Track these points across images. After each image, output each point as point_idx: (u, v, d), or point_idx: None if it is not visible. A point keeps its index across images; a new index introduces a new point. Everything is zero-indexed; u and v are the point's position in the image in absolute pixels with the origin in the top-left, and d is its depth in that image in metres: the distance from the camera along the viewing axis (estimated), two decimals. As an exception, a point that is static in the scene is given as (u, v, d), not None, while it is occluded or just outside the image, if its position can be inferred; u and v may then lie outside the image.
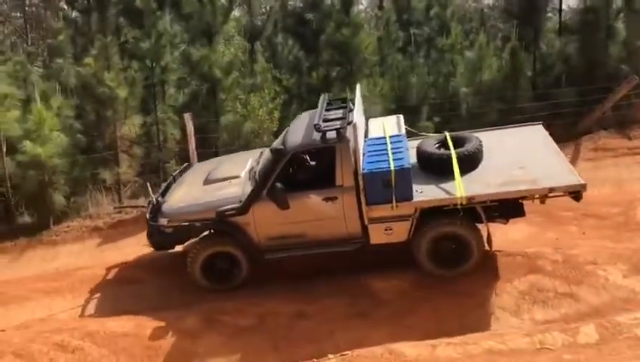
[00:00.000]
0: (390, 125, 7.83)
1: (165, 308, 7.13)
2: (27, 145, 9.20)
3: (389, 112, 11.32)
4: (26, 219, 9.96)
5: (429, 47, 13.26)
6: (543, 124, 8.19)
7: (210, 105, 11.38)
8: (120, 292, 7.82)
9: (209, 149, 10.61)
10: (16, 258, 9.11)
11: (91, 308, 7.61)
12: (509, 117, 9.68)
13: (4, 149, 9.70)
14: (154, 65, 11.16)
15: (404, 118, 8.10)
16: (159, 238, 7.57)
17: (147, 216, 7.76)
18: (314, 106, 7.89)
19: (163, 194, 8.01)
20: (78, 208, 9.83)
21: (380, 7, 17.36)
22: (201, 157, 9.47)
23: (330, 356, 5.62)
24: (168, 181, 8.51)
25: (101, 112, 10.24)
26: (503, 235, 7.96)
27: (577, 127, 10.60)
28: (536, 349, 5.31)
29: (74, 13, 13.04)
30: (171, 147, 11.29)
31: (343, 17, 11.07)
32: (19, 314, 7.55)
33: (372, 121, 8.23)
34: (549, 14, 12.60)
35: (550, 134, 8.04)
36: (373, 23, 14.35)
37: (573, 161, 10.01)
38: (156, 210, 7.66)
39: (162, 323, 6.81)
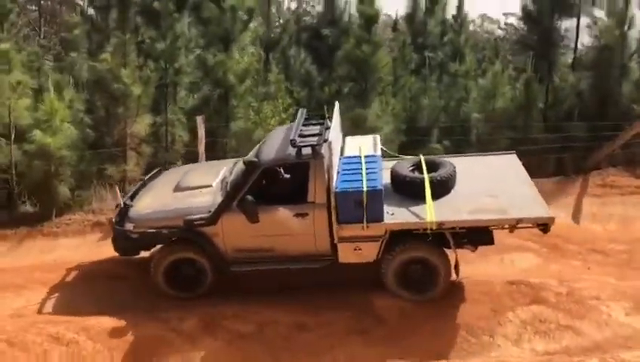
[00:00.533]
0: (367, 145, 7.81)
1: (164, 308, 7.03)
2: (37, 134, 9.16)
3: (399, 132, 11.43)
4: (28, 208, 9.88)
5: (442, 72, 13.37)
6: (516, 154, 8.21)
7: (222, 110, 11.43)
8: (117, 289, 7.69)
9: (217, 153, 10.60)
10: (15, 246, 9.01)
11: (87, 302, 7.46)
12: (519, 146, 9.69)
13: (13, 137, 9.66)
14: (168, 66, 11.21)
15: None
16: (124, 243, 7.43)
17: (113, 220, 7.63)
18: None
19: (132, 198, 7.85)
20: (81, 202, 9.76)
21: (394, 29, 17.58)
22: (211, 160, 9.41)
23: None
24: (138, 185, 8.36)
25: (113, 108, 10.24)
26: (509, 263, 7.98)
27: (587, 162, 10.68)
28: (539, 379, 5.23)
29: (90, 10, 13.17)
30: (178, 149, 11.30)
31: (364, 34, 11.12)
32: (13, 302, 7.46)
33: (349, 140, 8.22)
34: (562, 51, 12.76)
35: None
36: (386, 44, 14.50)
37: (580, 195, 10.09)
38: (123, 214, 7.52)
39: (161, 323, 6.72)
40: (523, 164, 7.93)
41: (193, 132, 11.11)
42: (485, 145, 10.23)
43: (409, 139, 11.29)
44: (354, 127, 11.50)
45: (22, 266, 8.29)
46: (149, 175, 8.65)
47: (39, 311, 7.07)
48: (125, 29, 10.75)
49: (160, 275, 7.27)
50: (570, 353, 6.32)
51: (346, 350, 6.57)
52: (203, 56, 11.39)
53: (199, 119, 9.62)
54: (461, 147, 10.62)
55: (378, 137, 8.14)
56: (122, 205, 7.66)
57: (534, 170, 10.17)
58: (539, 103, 11.30)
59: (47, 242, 9.11)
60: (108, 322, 6.74)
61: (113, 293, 7.58)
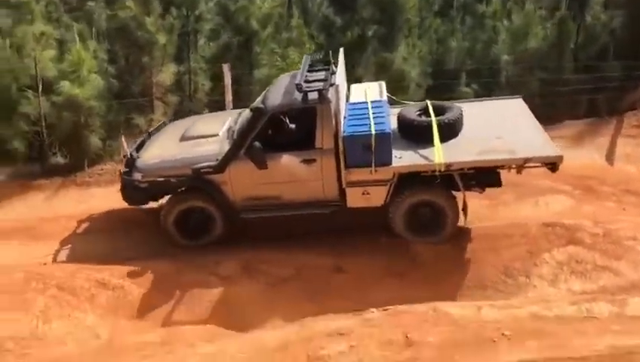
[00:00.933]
0: (372, 91, 7.74)
1: (201, 253, 7.16)
2: (65, 85, 9.12)
3: (426, 75, 11.23)
4: (59, 159, 9.97)
5: (467, 13, 12.94)
6: (522, 97, 8.12)
7: (244, 57, 11.24)
8: (153, 235, 7.81)
9: (242, 101, 10.51)
10: (50, 196, 9.16)
11: (127, 248, 7.60)
12: (551, 87, 9.50)
13: (40, 89, 9.64)
14: (189, 13, 11.01)
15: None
16: (133, 193, 7.46)
17: (121, 170, 7.67)
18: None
19: (138, 150, 7.82)
20: (112, 152, 9.82)
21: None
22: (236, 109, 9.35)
23: (373, 309, 5.63)
24: (143, 137, 8.32)
25: (137, 58, 10.11)
26: (544, 206, 7.96)
27: (621, 102, 10.43)
28: (583, 317, 5.30)
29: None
30: (201, 97, 11.22)
31: (392, -27, 10.74)
32: (52, 251, 7.65)
33: (354, 87, 8.11)
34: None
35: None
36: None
37: (614, 136, 9.93)
38: (131, 164, 7.53)
39: (200, 268, 6.86)
40: (555, 105, 7.81)
41: (215, 80, 11.06)
42: (515, 88, 10.00)
43: (436, 82, 11.09)
44: (379, 71, 11.34)
45: (60, 215, 8.43)
46: (154, 127, 8.63)
47: (83, 258, 7.20)
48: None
49: (170, 224, 7.35)
50: (606, 292, 6.37)
51: (382, 292, 6.66)
52: (224, 3, 11.14)
53: (225, 67, 9.50)
54: (490, 90, 10.40)
55: (384, 84, 8.04)
56: (129, 156, 7.65)
57: (566, 112, 10.07)
58: (570, 43, 10.96)
59: (82, 192, 9.25)
60: (150, 267, 6.88)
61: (150, 240, 7.71)
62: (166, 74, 10.25)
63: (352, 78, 10.95)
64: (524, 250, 7.00)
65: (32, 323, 6.07)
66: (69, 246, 7.69)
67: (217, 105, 10.13)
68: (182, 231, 7.38)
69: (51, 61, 9.87)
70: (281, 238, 7.41)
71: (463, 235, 7.29)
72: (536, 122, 7.44)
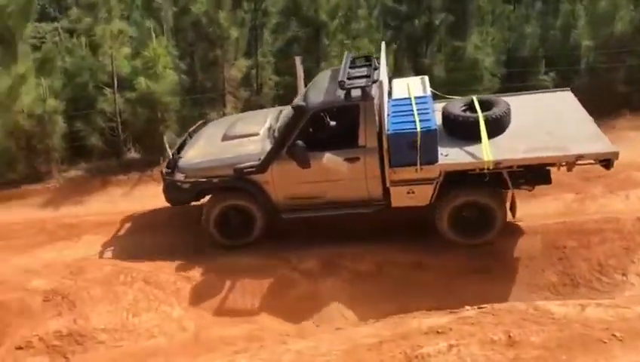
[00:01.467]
0: (415, 86, 7.49)
1: (282, 248, 7.14)
2: (142, 81, 9.29)
3: (500, 64, 10.82)
4: (134, 155, 10.18)
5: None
6: (571, 90, 7.76)
7: (313, 49, 11.16)
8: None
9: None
10: (129, 191, 9.35)
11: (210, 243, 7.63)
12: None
13: (116, 85, 9.87)
14: (257, 6, 11.00)
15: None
16: (176, 194, 7.48)
17: (163, 170, 7.70)
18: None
19: (179, 150, 7.85)
20: (186, 147, 9.92)
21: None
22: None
23: (468, 307, 5.44)
24: (184, 137, 8.32)
25: (208, 53, 10.19)
26: (636, 199, 7.56)
27: None
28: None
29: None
30: (267, 92, 11.22)
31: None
32: (133, 244, 7.77)
33: (396, 82, 7.86)
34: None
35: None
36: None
37: None
38: (173, 165, 7.56)
39: (284, 262, 6.85)
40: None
41: (282, 74, 11.02)
42: (598, 75, 9.50)
43: (511, 70, 10.69)
44: (450, 60, 11.03)
45: (139, 210, 8.60)
46: (194, 127, 8.61)
47: (168, 252, 7.31)
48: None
49: (211, 224, 7.32)
50: None
51: (466, 289, 6.48)
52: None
53: (297, 60, 9.39)
54: (569, 78, 9.89)
55: (426, 78, 7.80)
56: (171, 156, 7.69)
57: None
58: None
59: (159, 187, 9.39)
60: (233, 262, 6.92)
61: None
62: (237, 68, 10.28)
63: (420, 69, 10.76)
64: (619, 246, 6.67)
65: (122, 315, 6.21)
66: (150, 239, 7.79)
67: (285, 99, 10.07)
68: (222, 231, 7.36)
69: (126, 58, 10.13)
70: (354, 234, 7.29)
71: (550, 230, 6.99)
72: (587, 115, 7.12)
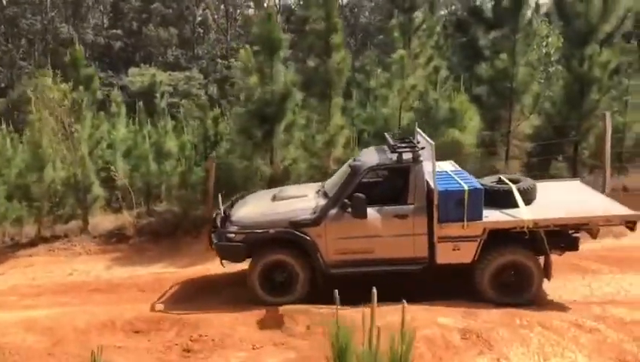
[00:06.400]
0: (446, 166, 8.28)
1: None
2: (453, 132, 9.84)
3: None
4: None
5: None
6: (580, 179, 8.92)
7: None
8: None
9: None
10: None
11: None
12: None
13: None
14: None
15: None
16: (228, 248, 7.74)
17: (210, 229, 8.07)
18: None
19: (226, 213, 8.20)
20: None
21: None
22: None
23: None
24: (227, 205, 8.62)
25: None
26: None
27: None
28: None
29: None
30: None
31: None
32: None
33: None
34: None
35: None
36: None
37: None
38: (223, 221, 7.97)
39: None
40: None
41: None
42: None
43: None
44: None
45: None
46: (234, 198, 9.01)
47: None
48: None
49: (255, 279, 7.66)
50: None
51: None
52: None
53: (607, 115, 9.55)
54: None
55: (453, 162, 8.58)
56: (222, 213, 8.12)
57: None
58: None
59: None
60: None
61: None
62: (525, 124, 10.61)
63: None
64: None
65: (534, 359, 6.33)
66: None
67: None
68: (266, 287, 7.69)
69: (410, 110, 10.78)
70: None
71: None
72: (602, 195, 8.14)
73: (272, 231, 7.60)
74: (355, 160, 8.08)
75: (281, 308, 7.36)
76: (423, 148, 7.84)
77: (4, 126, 14.94)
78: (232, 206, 8.58)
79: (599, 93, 11.11)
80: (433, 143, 7.40)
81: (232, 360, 6.55)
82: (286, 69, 10.60)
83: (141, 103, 18.16)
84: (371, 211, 7.46)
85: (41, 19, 44.46)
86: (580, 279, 8.29)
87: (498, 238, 7.32)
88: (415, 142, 8.24)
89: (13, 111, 31.58)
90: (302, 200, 7.98)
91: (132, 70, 38.41)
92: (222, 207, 8.38)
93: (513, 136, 10.56)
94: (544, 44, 13.34)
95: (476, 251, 7.31)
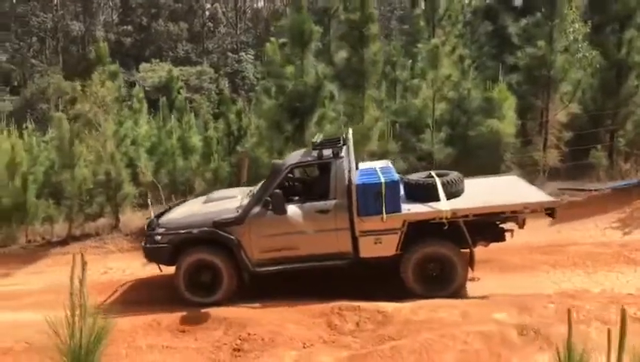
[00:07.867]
0: (380, 163, 8.42)
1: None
2: (492, 122, 9.64)
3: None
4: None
5: None
6: (518, 175, 8.97)
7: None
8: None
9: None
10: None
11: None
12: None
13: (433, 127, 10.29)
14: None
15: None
16: (154, 249, 7.83)
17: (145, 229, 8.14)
18: None
19: (159, 217, 8.34)
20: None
21: None
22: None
23: None
24: (165, 208, 8.89)
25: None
26: None
27: None
28: None
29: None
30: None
31: None
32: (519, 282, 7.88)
33: (362, 164, 8.58)
34: None
35: None
36: None
37: None
38: (154, 225, 8.04)
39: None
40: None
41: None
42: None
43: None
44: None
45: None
46: (174, 203, 9.29)
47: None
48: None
49: (181, 280, 7.70)
50: None
51: None
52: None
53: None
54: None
55: (390, 162, 8.66)
56: (152, 218, 8.22)
57: None
58: None
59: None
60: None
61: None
62: (561, 113, 10.40)
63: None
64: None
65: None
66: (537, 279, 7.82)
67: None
68: (192, 287, 7.71)
69: (443, 101, 10.58)
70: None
71: None
72: (533, 187, 8.11)
73: (195, 231, 7.67)
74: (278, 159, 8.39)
75: (330, 305, 7.26)
76: (344, 145, 7.87)
77: (28, 124, 14.85)
78: (169, 210, 8.74)
79: (638, 79, 10.84)
80: (351, 138, 7.68)
81: (286, 358, 6.45)
82: (317, 60, 10.41)
83: (164, 99, 18.03)
84: (294, 208, 7.53)
85: (52, 17, 44.42)
86: (633, 272, 8.11)
87: (420, 231, 7.32)
88: (342, 141, 8.20)
89: (26, 109, 31.60)
90: (230, 201, 8.10)
91: (143, 66, 38.35)
92: (153, 212, 8.62)
93: (550, 125, 10.31)
94: (571, 30, 13.04)
95: (398, 244, 7.32)
